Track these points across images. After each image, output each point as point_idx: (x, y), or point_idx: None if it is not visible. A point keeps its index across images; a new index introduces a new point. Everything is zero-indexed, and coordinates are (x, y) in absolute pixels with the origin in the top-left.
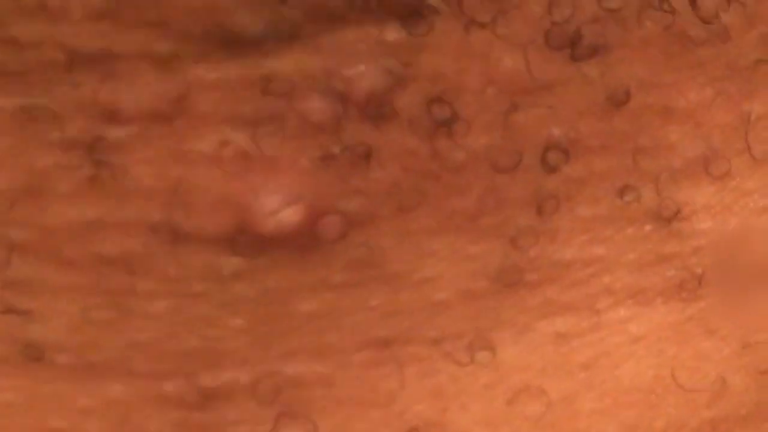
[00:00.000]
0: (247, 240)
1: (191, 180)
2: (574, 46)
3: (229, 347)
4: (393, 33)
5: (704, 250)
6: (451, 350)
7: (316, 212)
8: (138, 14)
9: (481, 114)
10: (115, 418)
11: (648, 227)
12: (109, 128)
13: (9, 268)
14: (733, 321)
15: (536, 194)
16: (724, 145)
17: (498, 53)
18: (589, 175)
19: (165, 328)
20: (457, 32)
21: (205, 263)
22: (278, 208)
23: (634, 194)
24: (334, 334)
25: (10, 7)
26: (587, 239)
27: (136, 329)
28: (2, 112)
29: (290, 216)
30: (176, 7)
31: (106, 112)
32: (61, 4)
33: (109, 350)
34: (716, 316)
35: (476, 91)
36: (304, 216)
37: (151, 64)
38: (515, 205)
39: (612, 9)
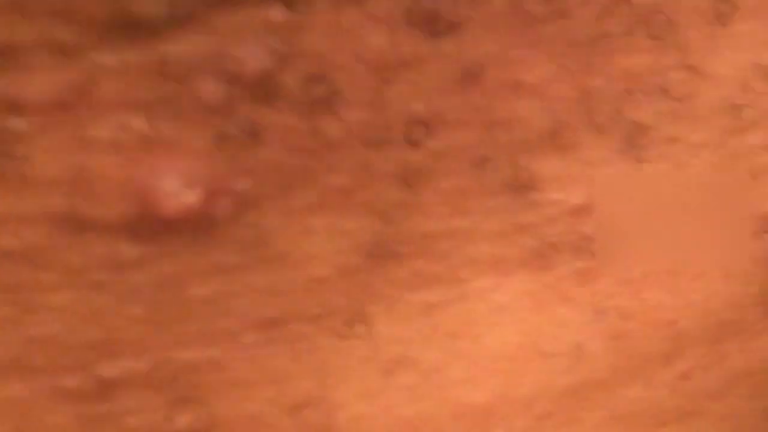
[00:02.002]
0: (147, 225)
1: (92, 167)
2: (432, 23)
3: (127, 336)
4: (277, 13)
5: (556, 220)
6: (331, 326)
7: (211, 193)
8: (43, 3)
9: (354, 91)
10: (14, 417)
11: (505, 198)
12: (11, 119)
13: None
14: (586, 288)
15: (403, 169)
16: (568, 118)
17: (366, 31)
18: (449, 149)
19: (66, 320)
20: (330, 11)
21: (106, 252)
22: (177, 191)
23: (491, 166)
24: (224, 318)
25: None
26: (450, 211)
27: (36, 324)
28: None
29: (188, 198)
30: None
31: (8, 103)
32: None
33: (7, 348)
34: (570, 284)
35: (349, 68)
36: (200, 197)
37: (52, 52)
38: (385, 180)
39: None
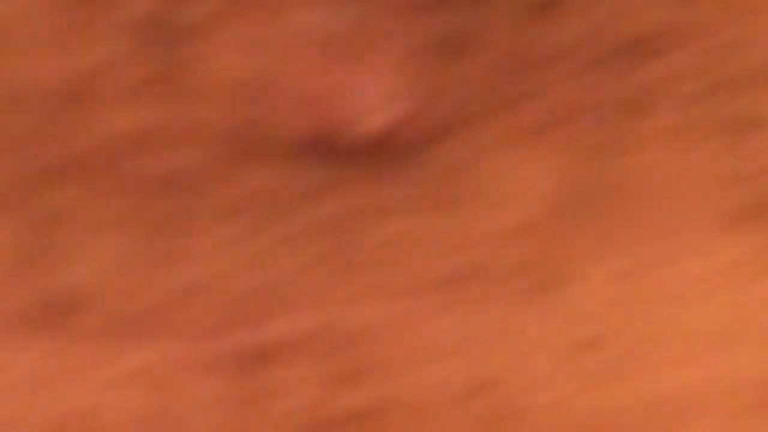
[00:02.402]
0: (330, 148)
1: (276, 74)
2: None
3: (289, 289)
4: None
5: None
6: (521, 287)
7: (407, 113)
8: None
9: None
10: (146, 388)
11: (724, 140)
12: (186, 7)
13: (35, 200)
14: None
15: (619, 97)
16: None
17: None
18: (669, 75)
19: (220, 265)
20: None
21: (278, 179)
22: (369, 108)
23: (713, 99)
24: (403, 268)
25: None
26: (663, 153)
27: (186, 269)
28: None
29: (380, 118)
30: None
31: None
32: None
33: (150, 299)
34: None
35: None
36: (394, 118)
37: None
38: (598, 109)
39: None
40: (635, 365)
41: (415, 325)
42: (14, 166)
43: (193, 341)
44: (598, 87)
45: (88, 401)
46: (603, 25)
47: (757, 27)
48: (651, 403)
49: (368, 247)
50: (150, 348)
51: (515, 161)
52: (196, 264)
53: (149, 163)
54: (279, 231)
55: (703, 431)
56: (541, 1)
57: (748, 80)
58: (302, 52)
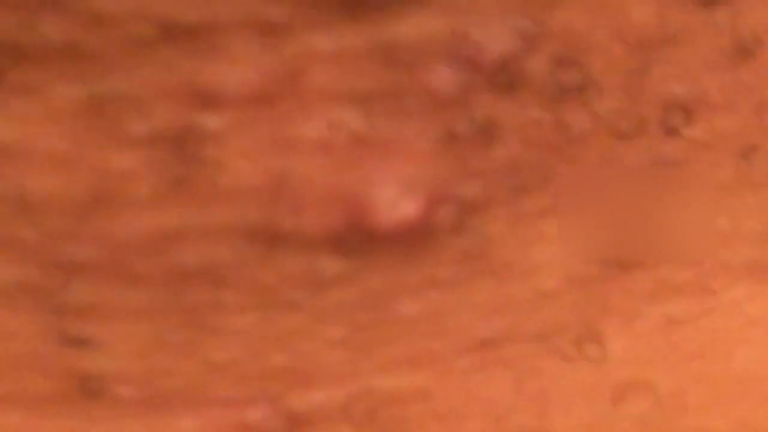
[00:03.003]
0: (356, 238)
1: (296, 172)
2: None
3: (321, 362)
4: None
5: None
6: (556, 346)
7: (433, 202)
8: None
9: (609, 76)
10: None
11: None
12: (203, 116)
13: (67, 292)
14: None
15: (655, 163)
16: None
17: (629, 3)
18: (710, 137)
19: (250, 345)
20: None
21: (304, 268)
22: (393, 200)
23: (760, 156)
24: (435, 339)
25: None
26: (707, 210)
27: (216, 349)
28: (70, 103)
29: (405, 208)
30: None
31: (201, 95)
32: None
33: (182, 376)
34: None
35: (606, 49)
36: (420, 207)
37: (258, 34)
38: (632, 177)
39: None
40: (677, 409)
41: (448, 387)
42: (44, 261)
43: (230, 409)
44: (635, 155)
45: None
46: (641, 94)
47: None
48: None
49: (397, 322)
50: (187, 417)
51: (549, 231)
52: (227, 345)
53: (174, 259)
54: (309, 311)
55: None
56: (569, 85)
57: None
58: (323, 151)
